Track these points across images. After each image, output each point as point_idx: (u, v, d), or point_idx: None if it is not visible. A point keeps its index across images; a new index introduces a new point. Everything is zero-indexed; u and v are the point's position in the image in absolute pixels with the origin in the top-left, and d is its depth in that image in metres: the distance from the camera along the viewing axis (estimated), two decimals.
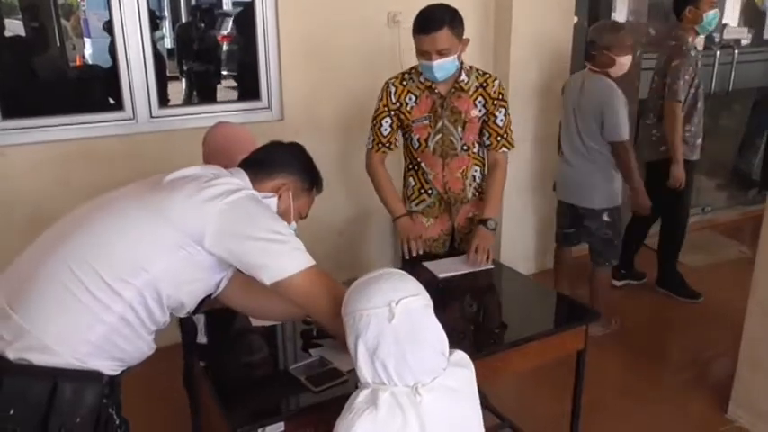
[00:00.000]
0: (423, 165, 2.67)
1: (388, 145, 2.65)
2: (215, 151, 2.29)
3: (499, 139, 2.66)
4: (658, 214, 3.84)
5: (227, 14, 6.46)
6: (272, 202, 1.70)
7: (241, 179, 1.65)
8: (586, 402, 2.35)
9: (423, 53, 2.44)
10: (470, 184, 2.72)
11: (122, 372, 1.57)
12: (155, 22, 4.16)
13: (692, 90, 3.61)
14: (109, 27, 3.18)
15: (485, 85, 2.59)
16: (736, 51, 4.73)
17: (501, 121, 2.64)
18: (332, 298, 1.56)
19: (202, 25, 6.36)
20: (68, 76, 5.45)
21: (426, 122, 2.58)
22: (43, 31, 5.44)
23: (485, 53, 3.99)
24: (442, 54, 2.40)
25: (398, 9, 3.57)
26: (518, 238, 4.26)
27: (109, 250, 1.45)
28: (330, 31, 3.46)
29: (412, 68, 2.60)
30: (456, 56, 2.46)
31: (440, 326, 1.38)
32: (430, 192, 2.70)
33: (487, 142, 2.67)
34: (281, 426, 1.65)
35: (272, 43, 3.40)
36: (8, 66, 4.25)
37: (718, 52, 4.78)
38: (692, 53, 3.58)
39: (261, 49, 3.41)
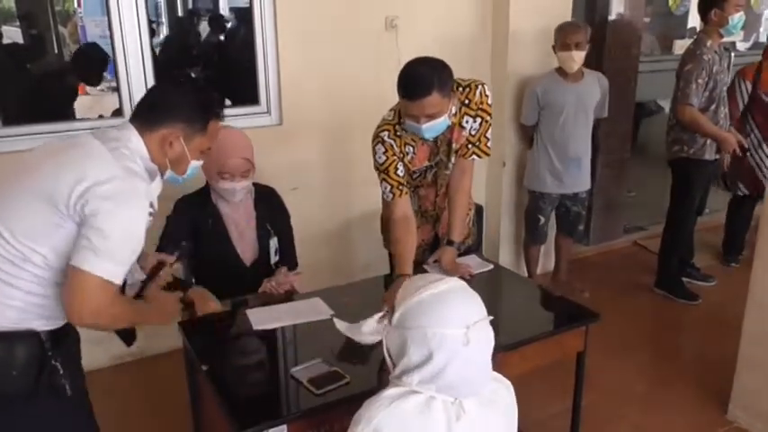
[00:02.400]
0: (417, 190, 2.62)
1: (406, 184, 2.49)
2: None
3: (470, 146, 2.50)
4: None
5: (225, 19, 6.48)
6: (156, 185, 1.69)
7: (131, 136, 1.66)
8: (586, 404, 2.37)
9: (410, 116, 2.27)
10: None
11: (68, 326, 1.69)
12: (152, 28, 4.16)
13: (706, 93, 3.63)
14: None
15: (467, 101, 2.42)
16: (732, 54, 4.74)
17: (474, 129, 2.47)
18: (96, 311, 1.57)
19: (201, 30, 6.38)
20: (67, 83, 5.44)
21: (427, 166, 2.52)
22: (41, 38, 5.46)
23: (482, 53, 4.00)
24: (431, 117, 2.23)
25: (396, 14, 3.59)
26: (518, 240, 4.27)
27: (3, 231, 1.55)
28: (328, 35, 3.47)
29: (399, 117, 2.39)
30: (447, 114, 2.28)
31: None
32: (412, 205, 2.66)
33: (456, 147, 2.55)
34: (283, 428, 1.65)
35: (270, 48, 3.41)
36: (7, 73, 4.25)
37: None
38: (707, 57, 3.59)
39: (259, 54, 3.42)
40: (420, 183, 2.60)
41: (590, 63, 3.89)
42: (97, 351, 3.29)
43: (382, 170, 2.45)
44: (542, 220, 3.86)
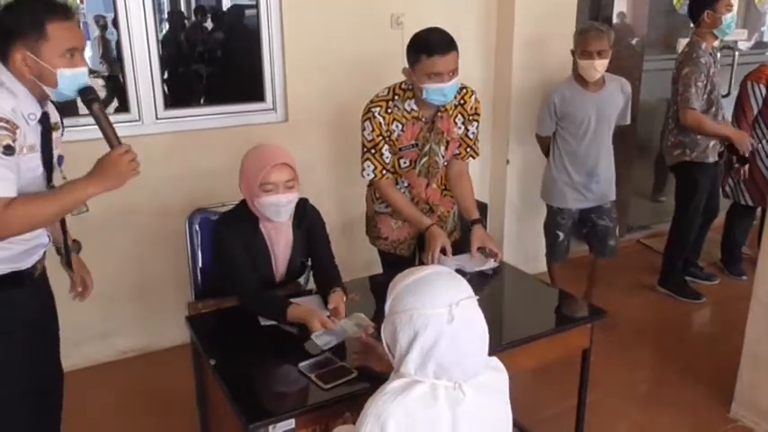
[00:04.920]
0: (404, 180, 2.67)
1: (391, 170, 2.60)
2: (242, 174, 2.23)
3: (468, 149, 2.71)
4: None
5: (229, 16, 6.48)
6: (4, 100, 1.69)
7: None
8: (590, 402, 2.37)
9: (433, 75, 2.36)
10: (443, 191, 2.77)
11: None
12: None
13: (705, 96, 3.62)
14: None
15: (462, 102, 2.59)
16: (737, 53, 4.74)
17: (473, 134, 2.68)
18: None
19: (207, 27, 6.39)
20: None
21: (414, 149, 2.57)
22: None
23: (487, 55, 4.01)
24: (454, 73, 2.38)
25: (402, 11, 3.60)
26: (522, 238, 4.28)
27: None
28: (334, 32, 3.48)
29: (394, 93, 2.52)
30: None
31: (486, 326, 1.40)
32: None
33: (456, 152, 2.70)
34: (291, 423, 1.67)
35: (276, 45, 3.42)
36: None
37: (718, 54, 4.79)
38: (704, 60, 3.58)
39: (266, 51, 3.43)
40: (408, 174, 2.64)
41: None
42: (103, 346, 3.31)
43: (370, 148, 2.55)
44: (561, 236, 3.56)
